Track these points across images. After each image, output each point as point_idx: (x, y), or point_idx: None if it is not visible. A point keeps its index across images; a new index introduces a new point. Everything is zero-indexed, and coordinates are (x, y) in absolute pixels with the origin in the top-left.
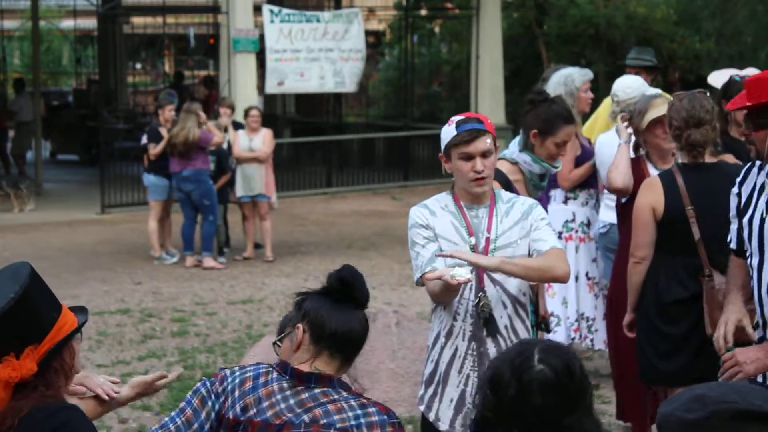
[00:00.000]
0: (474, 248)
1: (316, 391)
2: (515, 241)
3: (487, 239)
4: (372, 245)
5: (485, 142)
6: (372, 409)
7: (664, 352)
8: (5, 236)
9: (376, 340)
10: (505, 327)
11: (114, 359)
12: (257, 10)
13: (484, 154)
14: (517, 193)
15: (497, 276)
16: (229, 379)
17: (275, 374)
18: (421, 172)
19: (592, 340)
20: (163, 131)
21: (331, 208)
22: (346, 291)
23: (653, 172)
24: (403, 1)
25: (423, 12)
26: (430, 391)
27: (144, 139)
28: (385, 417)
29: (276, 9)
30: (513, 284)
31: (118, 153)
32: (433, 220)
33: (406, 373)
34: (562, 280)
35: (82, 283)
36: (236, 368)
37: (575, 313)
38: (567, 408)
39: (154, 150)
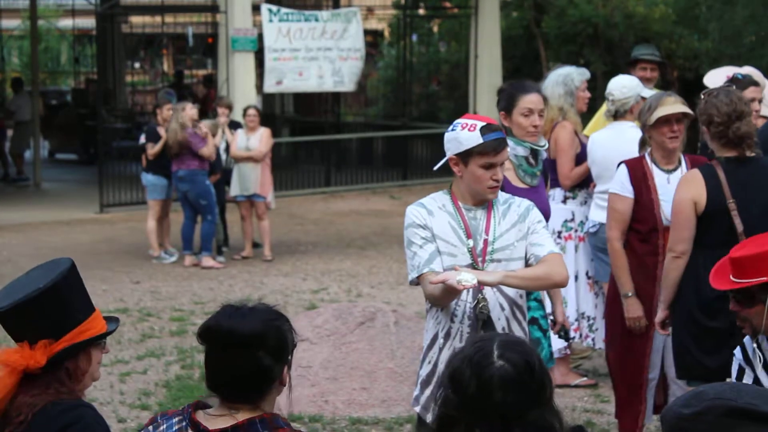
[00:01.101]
0: (472, 250)
1: None
2: (512, 243)
3: (485, 241)
4: (371, 244)
5: (507, 152)
6: None
7: (711, 347)
8: (4, 235)
9: (375, 340)
10: (503, 329)
11: (113, 358)
12: (256, 9)
13: (503, 163)
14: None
15: None
16: None
17: (189, 430)
18: (420, 172)
19: (593, 339)
20: (161, 131)
21: (329, 207)
22: (214, 340)
23: (656, 173)
24: (401, 0)
25: (422, 11)
26: (427, 392)
27: (142, 139)
28: None
29: (274, 8)
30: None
31: (117, 152)
32: (431, 219)
33: (404, 372)
34: (561, 285)
35: None
36: (151, 427)
37: (575, 312)
38: (528, 403)
39: (152, 150)
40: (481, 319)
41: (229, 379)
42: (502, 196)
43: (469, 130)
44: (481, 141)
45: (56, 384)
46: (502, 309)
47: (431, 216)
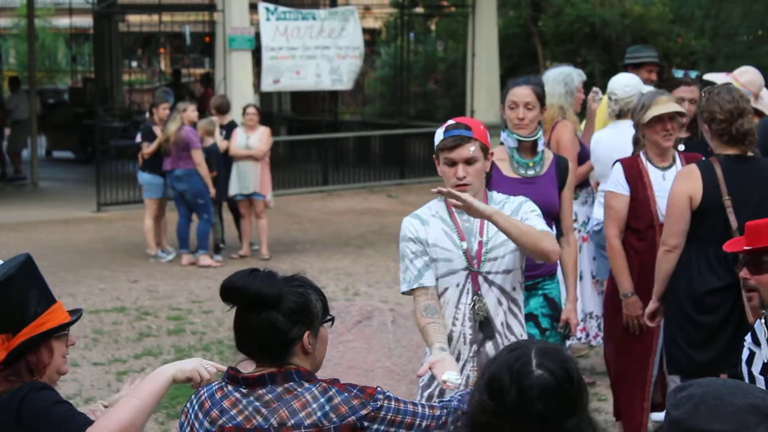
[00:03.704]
0: (466, 252)
1: (279, 389)
2: (506, 239)
3: (480, 243)
4: (368, 243)
5: (469, 150)
6: (333, 392)
7: (699, 342)
8: (1, 234)
9: (373, 338)
10: (502, 324)
11: (110, 357)
12: (253, 7)
13: (468, 161)
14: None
15: (492, 276)
16: (189, 408)
17: (230, 387)
18: (417, 170)
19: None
20: (157, 130)
21: (327, 206)
22: (231, 299)
23: (651, 170)
24: None
25: (419, 10)
26: (427, 395)
27: (138, 138)
28: (346, 395)
29: (272, 7)
30: (508, 280)
31: (114, 151)
32: (424, 229)
33: (402, 371)
34: (549, 256)
35: (78, 282)
36: (193, 396)
37: (581, 312)
38: (567, 411)
39: (148, 149)
40: (479, 320)
41: (248, 337)
42: (497, 197)
43: (441, 128)
44: (442, 137)
45: (12, 377)
46: (500, 304)
47: (425, 226)
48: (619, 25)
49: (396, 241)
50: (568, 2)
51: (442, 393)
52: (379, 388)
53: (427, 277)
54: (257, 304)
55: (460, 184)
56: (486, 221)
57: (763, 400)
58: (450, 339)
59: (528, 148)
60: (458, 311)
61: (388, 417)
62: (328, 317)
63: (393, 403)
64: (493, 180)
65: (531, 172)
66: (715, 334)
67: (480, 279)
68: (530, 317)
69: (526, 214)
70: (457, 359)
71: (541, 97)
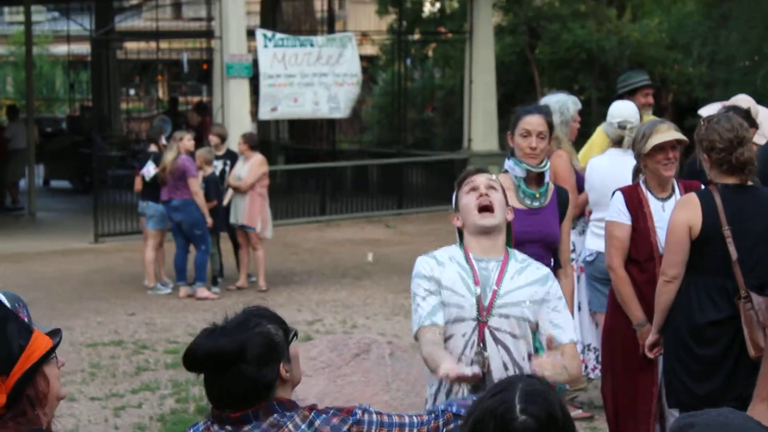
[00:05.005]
0: (479, 299)
1: (264, 424)
2: (524, 301)
3: (494, 292)
4: (366, 274)
5: (489, 176)
6: (312, 415)
7: (699, 375)
8: None
9: (371, 372)
10: None
11: (107, 392)
12: (251, 35)
13: (491, 187)
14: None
15: (500, 334)
16: None
17: (216, 426)
18: (415, 200)
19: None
20: None
21: (324, 236)
22: (197, 367)
23: (651, 200)
24: (395, 25)
25: (416, 36)
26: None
27: (154, 169)
28: (325, 416)
29: (269, 34)
30: (518, 346)
31: (112, 181)
32: (439, 270)
33: (400, 404)
34: (574, 381)
35: (75, 314)
36: None
37: (580, 344)
38: None
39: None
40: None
41: (225, 396)
42: (520, 255)
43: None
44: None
45: (18, 417)
46: (506, 369)
47: (440, 266)
48: (616, 52)
49: (394, 272)
50: (565, 29)
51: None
52: (358, 405)
53: (439, 316)
54: (223, 364)
55: (483, 205)
56: (505, 273)
57: None
58: (450, 391)
59: (534, 178)
60: (460, 363)
61: (373, 430)
62: (292, 334)
63: (375, 416)
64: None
65: (536, 204)
66: (715, 367)
67: (487, 332)
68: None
69: (555, 300)
70: None
71: (551, 127)
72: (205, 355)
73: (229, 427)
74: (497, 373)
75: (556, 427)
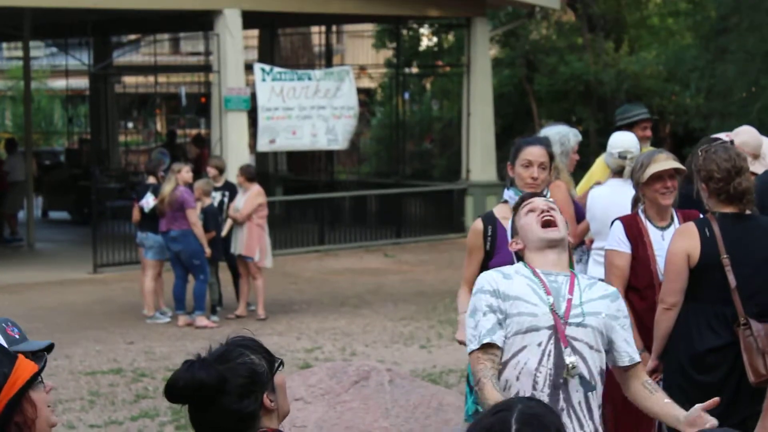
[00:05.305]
0: (553, 307)
1: None
2: (601, 313)
3: (569, 301)
4: (365, 303)
5: (549, 201)
6: None
7: (699, 402)
8: None
9: (370, 399)
10: (579, 403)
11: (107, 419)
12: (249, 68)
13: (551, 207)
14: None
15: (579, 346)
16: None
17: None
18: (414, 230)
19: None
20: None
21: (323, 265)
22: (178, 400)
23: (651, 229)
24: (393, 59)
25: (414, 70)
26: None
27: (153, 200)
28: None
29: (267, 67)
30: (594, 358)
31: (111, 212)
32: (506, 283)
33: (399, 431)
34: None
35: (74, 343)
36: None
37: None
38: None
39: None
40: (569, 377)
41: (208, 427)
42: (584, 276)
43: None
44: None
45: None
46: (582, 380)
47: (507, 279)
48: (613, 84)
49: (392, 300)
50: (563, 61)
51: None
52: None
53: (498, 335)
54: (204, 396)
55: (545, 220)
56: (576, 285)
57: None
58: None
59: None
60: (538, 374)
61: None
62: (277, 364)
63: None
64: (498, 239)
65: None
66: (716, 394)
67: (567, 339)
68: None
69: (624, 319)
70: None
71: (552, 158)
72: (184, 388)
73: None
74: (574, 389)
75: None
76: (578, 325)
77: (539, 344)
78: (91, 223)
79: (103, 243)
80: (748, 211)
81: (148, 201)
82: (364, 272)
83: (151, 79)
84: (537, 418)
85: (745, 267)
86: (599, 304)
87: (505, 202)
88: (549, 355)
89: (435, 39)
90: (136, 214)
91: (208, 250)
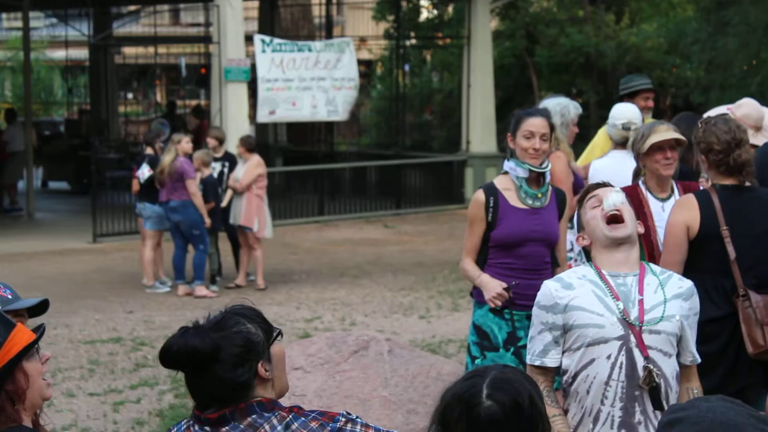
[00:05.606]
0: (624, 314)
1: (242, 425)
2: (674, 316)
3: (641, 303)
4: (364, 273)
5: (615, 189)
6: (290, 417)
7: (700, 372)
8: None
9: (369, 368)
10: (655, 413)
11: (106, 388)
12: (249, 39)
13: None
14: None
15: (653, 354)
16: None
17: (196, 426)
18: (414, 201)
19: None
20: None
21: (323, 236)
22: (172, 365)
23: (651, 201)
24: (391, 29)
25: (414, 42)
26: None
27: (149, 171)
28: (303, 419)
29: (267, 39)
30: (670, 368)
31: (110, 182)
32: (566, 293)
33: (398, 400)
34: None
35: (74, 312)
36: None
37: None
38: None
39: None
40: (650, 386)
41: (203, 395)
42: (657, 268)
43: None
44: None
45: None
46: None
47: (567, 289)
48: (614, 56)
49: (392, 271)
50: (563, 33)
51: (432, 426)
52: (343, 412)
53: (551, 356)
54: (198, 363)
55: (612, 222)
56: (645, 286)
57: None
58: (596, 420)
59: (535, 179)
60: (608, 388)
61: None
62: (275, 333)
63: (359, 427)
64: (500, 210)
65: (538, 203)
66: (714, 364)
67: (636, 351)
68: None
69: (694, 317)
70: None
71: (553, 129)
72: (176, 353)
73: (207, 428)
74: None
75: (521, 416)
76: (651, 332)
77: (608, 356)
78: (91, 193)
79: (103, 213)
80: (747, 183)
81: (144, 172)
82: (363, 243)
83: (150, 50)
84: (509, 383)
85: (744, 239)
86: (673, 306)
87: (506, 173)
88: (621, 368)
89: (435, 11)
90: (135, 185)
91: (208, 221)
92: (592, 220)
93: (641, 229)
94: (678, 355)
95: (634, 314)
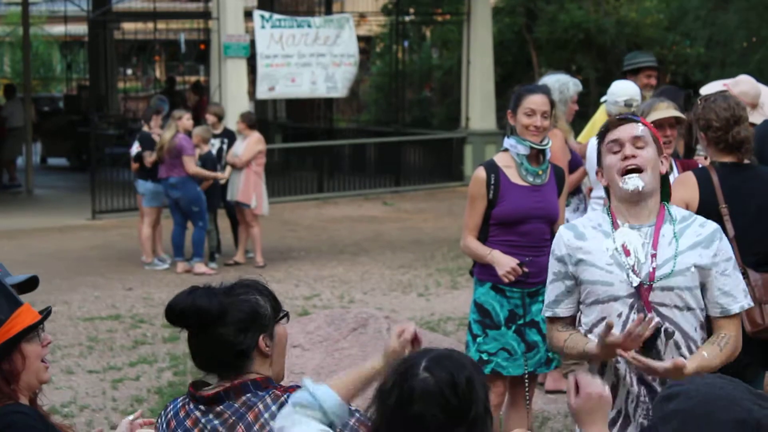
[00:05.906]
0: (634, 270)
1: (236, 404)
2: (688, 268)
3: (653, 257)
4: (363, 250)
5: (637, 128)
6: (285, 398)
7: None
8: None
9: (368, 345)
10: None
11: (105, 365)
12: (248, 15)
13: (639, 141)
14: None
15: (667, 312)
16: (159, 426)
17: (191, 404)
18: (413, 178)
19: None
20: (156, 137)
21: (322, 213)
22: (175, 322)
23: None
24: (389, 5)
25: (413, 18)
26: None
27: (137, 147)
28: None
29: (267, 14)
30: (689, 321)
31: (109, 159)
32: (579, 244)
33: None
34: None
35: (73, 289)
36: (162, 413)
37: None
38: (451, 420)
39: (151, 158)
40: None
41: (202, 356)
42: (680, 212)
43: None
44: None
45: None
46: (678, 347)
47: (580, 239)
48: (614, 32)
49: (391, 248)
50: (563, 9)
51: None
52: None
53: (563, 306)
54: (202, 323)
55: (630, 167)
56: (660, 238)
57: (749, 413)
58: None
59: (535, 156)
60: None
61: (350, 423)
62: (282, 314)
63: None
64: (502, 187)
65: (539, 181)
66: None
67: (652, 308)
68: (533, 324)
69: (725, 262)
70: (622, 413)
71: (553, 106)
72: (183, 310)
73: (202, 407)
74: (669, 354)
75: (455, 393)
76: (663, 289)
77: (619, 315)
78: (90, 170)
79: (102, 189)
80: (746, 161)
81: (133, 148)
82: (362, 220)
83: (150, 25)
84: (450, 360)
85: (743, 216)
86: (689, 257)
87: (506, 150)
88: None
89: None
90: (134, 162)
91: (213, 174)
92: (610, 166)
93: (664, 168)
94: (707, 308)
95: (645, 270)
